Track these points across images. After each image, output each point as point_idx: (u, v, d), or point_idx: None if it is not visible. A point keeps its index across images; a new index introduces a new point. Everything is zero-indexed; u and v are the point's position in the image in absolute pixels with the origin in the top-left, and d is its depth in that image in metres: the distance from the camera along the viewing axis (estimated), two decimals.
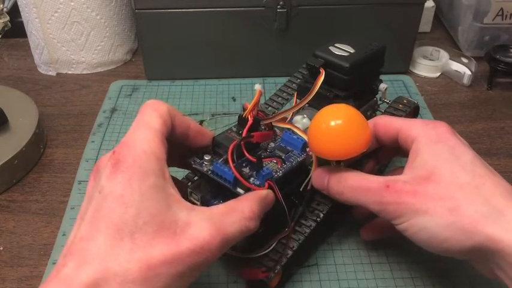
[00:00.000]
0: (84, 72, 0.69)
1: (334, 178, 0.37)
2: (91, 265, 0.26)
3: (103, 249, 0.27)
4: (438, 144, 0.35)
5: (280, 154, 0.39)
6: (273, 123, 0.41)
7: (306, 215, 0.39)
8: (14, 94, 0.60)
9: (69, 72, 0.69)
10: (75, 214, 0.30)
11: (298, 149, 0.39)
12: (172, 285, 0.28)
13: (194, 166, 0.37)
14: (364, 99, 0.45)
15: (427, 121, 0.37)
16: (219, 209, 0.32)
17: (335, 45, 0.43)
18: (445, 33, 0.79)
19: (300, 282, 0.41)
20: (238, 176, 0.34)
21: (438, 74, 0.69)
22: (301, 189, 0.39)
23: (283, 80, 0.50)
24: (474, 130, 0.59)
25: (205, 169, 0.36)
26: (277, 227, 0.38)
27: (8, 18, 0.69)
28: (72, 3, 0.63)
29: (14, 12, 0.71)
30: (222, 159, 0.36)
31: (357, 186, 0.36)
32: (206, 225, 0.29)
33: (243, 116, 0.39)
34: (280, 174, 0.37)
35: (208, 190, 0.37)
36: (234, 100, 0.63)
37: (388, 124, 0.38)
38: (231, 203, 0.33)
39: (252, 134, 0.38)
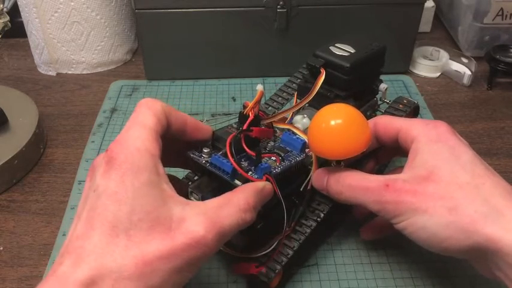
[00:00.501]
0: (84, 72, 0.69)
1: (333, 178, 0.37)
2: (87, 262, 0.27)
3: (98, 247, 0.27)
4: (438, 143, 0.35)
5: (280, 153, 0.39)
6: (273, 124, 0.41)
7: (306, 215, 0.39)
8: (14, 94, 0.60)
9: (69, 72, 0.69)
10: (75, 214, 0.30)
11: (298, 150, 0.39)
12: (169, 281, 0.28)
13: (192, 157, 0.37)
14: (364, 99, 0.45)
15: (427, 121, 0.37)
16: (213, 203, 0.31)
17: (335, 45, 0.43)
18: (445, 33, 0.79)
19: (300, 282, 0.41)
20: (236, 166, 0.34)
21: (438, 74, 0.69)
22: (301, 189, 0.39)
23: (283, 80, 0.50)
24: (474, 130, 0.59)
25: (203, 161, 0.36)
26: (277, 226, 0.38)
27: (8, 18, 0.69)
28: (72, 3, 0.63)
29: (14, 12, 0.71)
30: (221, 152, 0.36)
31: (356, 185, 0.36)
32: (201, 219, 0.29)
33: (244, 113, 0.39)
34: (279, 171, 0.37)
35: (209, 190, 0.37)
36: (234, 100, 0.63)
37: (388, 124, 0.38)
38: (226, 195, 0.33)
39: (251, 128, 0.38)
